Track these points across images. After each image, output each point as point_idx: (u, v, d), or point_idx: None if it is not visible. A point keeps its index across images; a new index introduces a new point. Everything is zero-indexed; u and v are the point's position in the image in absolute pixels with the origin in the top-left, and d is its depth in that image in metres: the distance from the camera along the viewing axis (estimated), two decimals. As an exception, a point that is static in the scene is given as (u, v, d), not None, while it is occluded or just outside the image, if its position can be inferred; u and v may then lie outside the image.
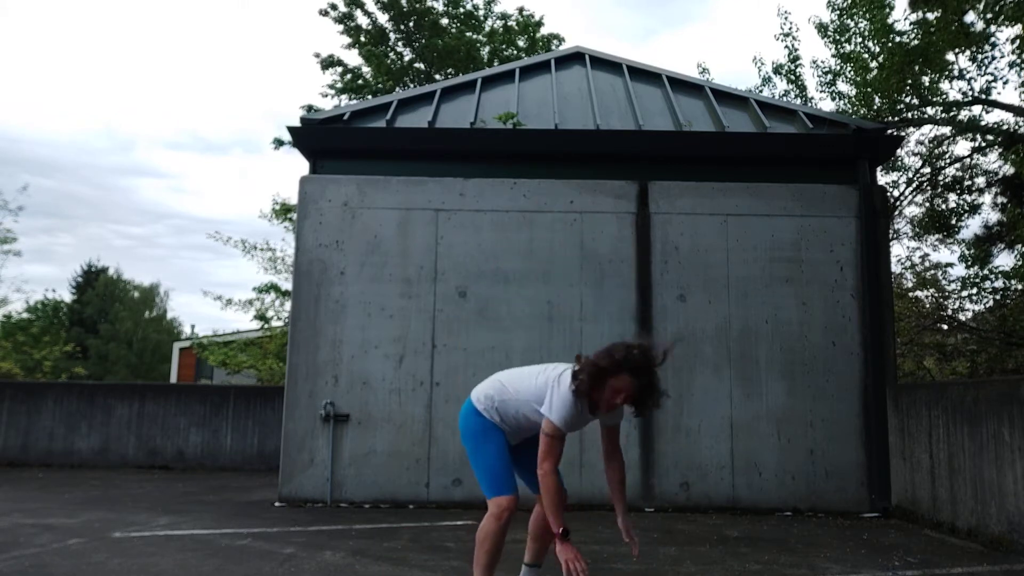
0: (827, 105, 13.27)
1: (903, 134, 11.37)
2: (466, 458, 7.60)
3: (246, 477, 9.93)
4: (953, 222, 12.59)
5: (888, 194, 9.86)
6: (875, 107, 11.72)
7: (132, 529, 5.82)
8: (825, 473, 7.31)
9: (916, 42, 10.87)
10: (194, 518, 6.43)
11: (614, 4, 75.04)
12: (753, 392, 7.45)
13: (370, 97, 16.09)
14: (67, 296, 38.48)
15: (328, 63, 17.24)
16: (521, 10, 18.49)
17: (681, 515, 7.00)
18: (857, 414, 7.40)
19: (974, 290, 11.59)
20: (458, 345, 7.51)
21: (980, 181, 12.56)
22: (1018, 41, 10.30)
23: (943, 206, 12.77)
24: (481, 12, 18.46)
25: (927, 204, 12.95)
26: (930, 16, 10.72)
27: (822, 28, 12.74)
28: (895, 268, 12.38)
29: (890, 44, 11.25)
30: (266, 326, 15.01)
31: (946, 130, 12.33)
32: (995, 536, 5.47)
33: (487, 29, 18.31)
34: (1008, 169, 11.52)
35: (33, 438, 11.01)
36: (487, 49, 18.06)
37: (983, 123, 11.81)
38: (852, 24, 12.19)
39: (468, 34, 17.90)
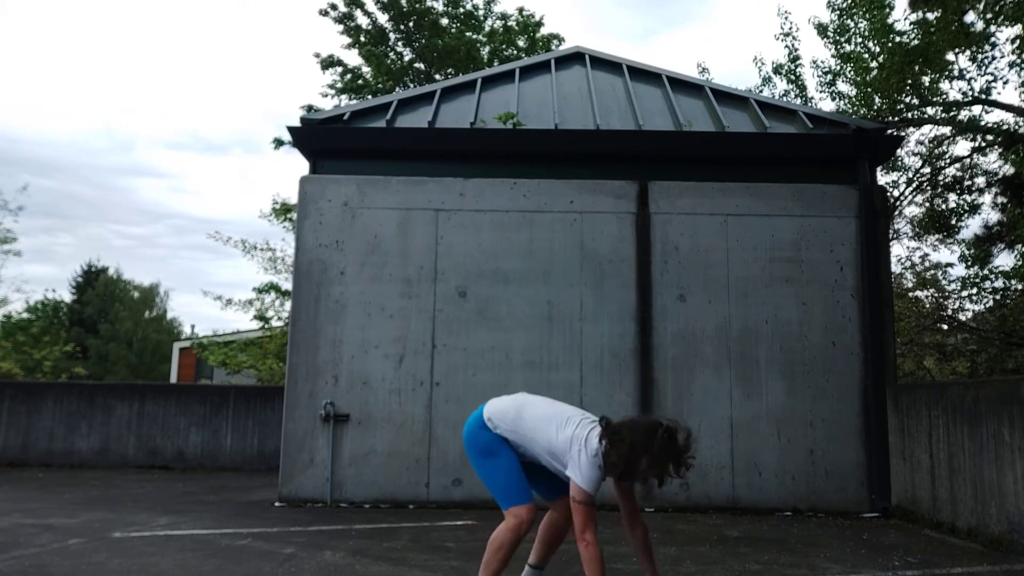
0: (827, 105, 13.28)
1: (903, 134, 11.37)
2: (465, 459, 7.58)
3: (246, 477, 9.93)
4: (953, 222, 12.59)
5: (888, 194, 9.86)
6: (875, 107, 11.72)
7: (132, 529, 5.83)
8: (825, 473, 7.31)
9: (916, 42, 10.87)
10: (194, 518, 6.43)
11: (614, 4, 75.07)
12: (753, 392, 7.45)
13: (370, 97, 16.09)
14: (67, 296, 38.50)
15: (328, 63, 17.24)
16: (521, 10, 18.49)
17: (681, 515, 7.00)
18: (857, 414, 7.40)
19: (974, 290, 11.60)
20: (458, 345, 7.51)
21: (980, 181, 12.57)
22: (1018, 41, 10.30)
23: (943, 206, 12.77)
24: (481, 12, 18.46)
25: (927, 204, 12.96)
26: (930, 16, 10.72)
27: (822, 28, 12.74)
28: (895, 268, 12.39)
29: (890, 44, 11.24)
30: (266, 326, 15.02)
31: (946, 130, 12.33)
32: (995, 536, 5.47)
33: (487, 29, 18.31)
34: (1008, 169, 11.52)
35: (33, 438, 11.01)
36: (487, 49, 18.05)
37: (983, 123, 11.81)
38: (852, 24, 12.19)
39: (468, 34, 17.90)
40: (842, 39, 12.41)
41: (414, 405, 7.43)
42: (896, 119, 11.65)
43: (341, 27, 17.38)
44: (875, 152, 7.98)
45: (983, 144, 12.17)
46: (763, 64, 16.21)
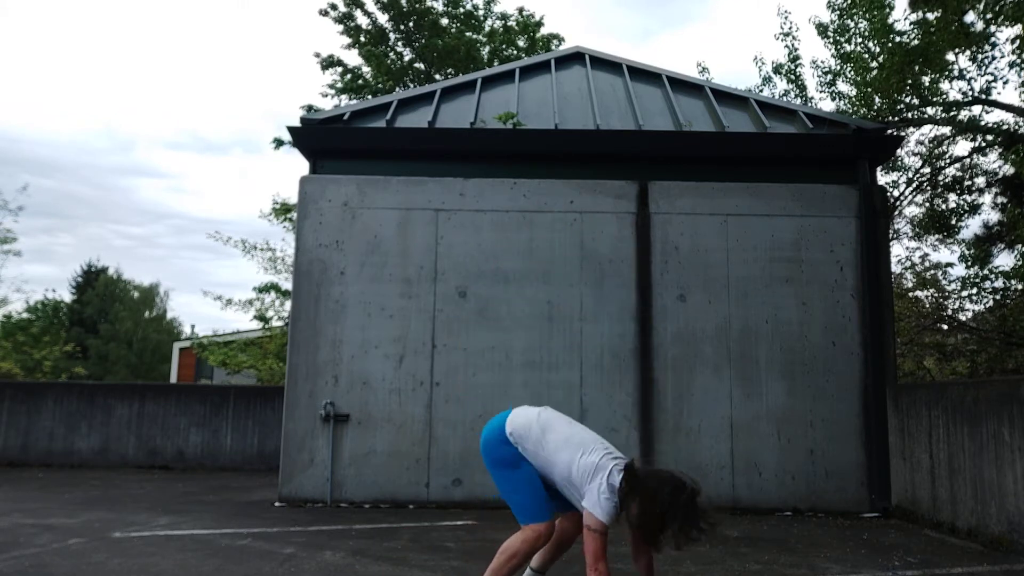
0: (827, 105, 13.28)
1: (903, 134, 11.37)
2: (466, 458, 7.62)
3: (246, 477, 9.93)
4: (953, 222, 12.58)
5: (888, 194, 9.86)
6: (875, 107, 11.71)
7: (132, 529, 5.82)
8: (825, 473, 7.31)
9: (916, 42, 10.86)
10: (194, 518, 6.43)
11: (614, 4, 75.05)
12: (753, 392, 7.45)
13: (370, 97, 16.09)
14: (67, 296, 38.50)
15: (328, 63, 17.24)
16: (521, 10, 18.49)
17: (681, 515, 6.99)
18: (857, 414, 7.40)
19: (974, 290, 11.60)
20: (458, 345, 7.51)
21: (980, 181, 12.56)
22: (1018, 41, 10.29)
23: (943, 206, 12.76)
24: (481, 12, 18.46)
25: (927, 204, 12.95)
26: (930, 16, 10.71)
27: (822, 28, 12.74)
28: (895, 268, 12.40)
29: (890, 44, 11.24)
30: (266, 326, 15.02)
31: (946, 130, 12.32)
32: (995, 536, 5.47)
33: (487, 29, 18.30)
34: (1008, 169, 11.51)
35: (33, 438, 11.01)
36: (487, 49, 18.05)
37: (983, 123, 11.81)
38: (852, 24, 12.18)
39: (468, 34, 17.89)
40: (842, 39, 12.41)
41: (414, 405, 7.43)
42: (896, 119, 11.65)
43: (341, 27, 17.38)
44: (875, 152, 7.98)
45: (983, 144, 12.17)
46: (763, 64, 16.18)
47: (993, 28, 10.62)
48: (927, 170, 12.90)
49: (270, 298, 14.88)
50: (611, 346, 7.51)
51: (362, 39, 17.34)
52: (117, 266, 53.73)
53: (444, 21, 17.75)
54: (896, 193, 12.82)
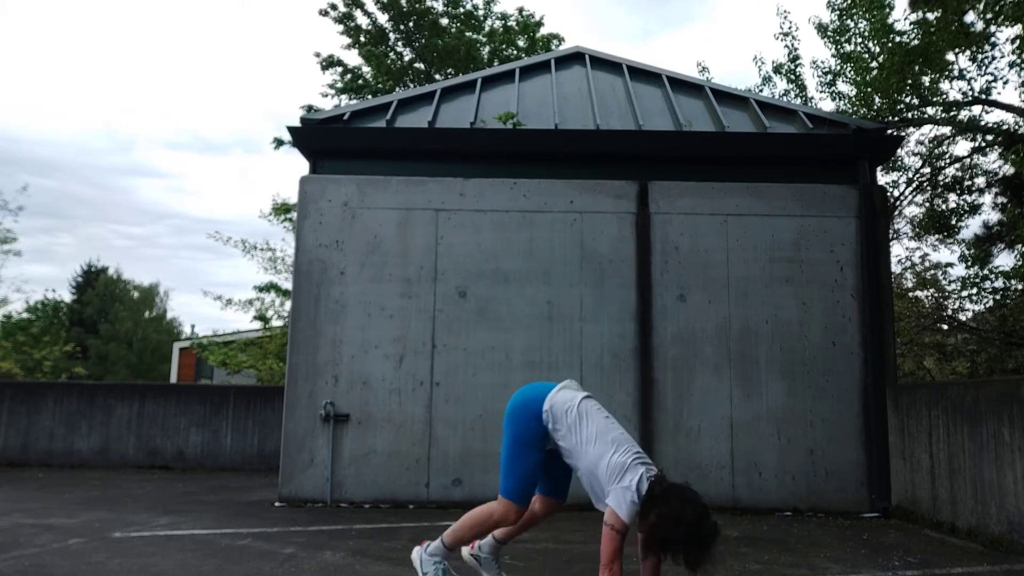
0: (827, 105, 13.27)
1: (903, 134, 11.36)
2: (466, 458, 7.63)
3: (246, 477, 9.93)
4: (953, 222, 12.58)
5: (888, 194, 9.86)
6: (875, 107, 11.71)
7: (132, 529, 5.82)
8: (825, 473, 7.31)
9: (916, 42, 10.86)
10: (194, 518, 6.43)
11: (614, 4, 75.02)
12: (753, 392, 7.45)
13: (370, 97, 16.09)
14: (67, 296, 38.53)
15: (328, 63, 17.24)
16: (521, 10, 18.49)
17: (681, 515, 6.99)
18: (857, 414, 7.40)
19: (974, 290, 11.59)
20: (458, 345, 7.51)
21: (980, 181, 12.56)
22: (1018, 41, 10.29)
23: (943, 206, 12.76)
24: (481, 12, 18.46)
25: (927, 204, 12.95)
26: (930, 16, 10.71)
27: (822, 28, 12.74)
28: (895, 268, 12.40)
29: (890, 44, 11.24)
30: (266, 326, 15.02)
31: (946, 130, 12.32)
32: (995, 536, 5.47)
33: (487, 29, 18.30)
34: (1008, 169, 11.51)
35: (33, 438, 11.01)
36: (487, 49, 18.05)
37: (983, 123, 11.80)
38: (852, 24, 12.18)
39: (468, 34, 17.90)
40: (842, 39, 12.40)
41: (414, 405, 7.43)
42: (896, 119, 11.65)
43: (341, 27, 17.39)
44: (875, 152, 7.98)
45: (983, 144, 12.16)
46: (763, 64, 16.16)
47: (993, 28, 10.62)
48: (927, 170, 12.91)
49: (270, 298, 14.90)
50: (611, 346, 7.51)
51: (362, 39, 17.34)
52: (117, 266, 53.80)
53: (444, 21, 17.75)
54: (896, 193, 12.83)
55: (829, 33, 12.61)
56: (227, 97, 73.70)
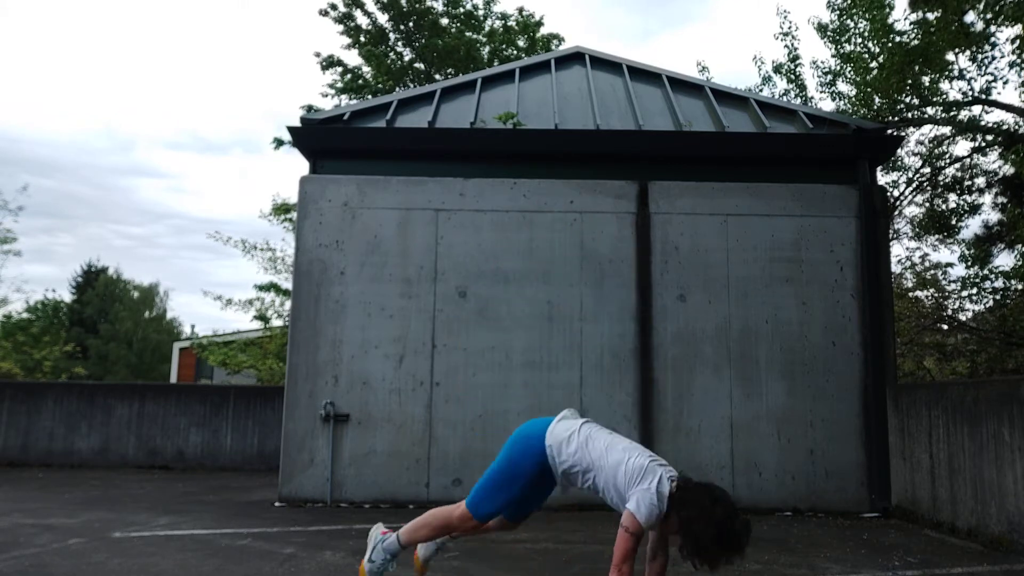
0: (827, 105, 13.27)
1: (903, 134, 11.36)
2: (466, 458, 7.63)
3: (246, 477, 9.93)
4: (953, 222, 12.58)
5: (888, 194, 9.86)
6: (875, 107, 11.71)
7: (132, 529, 5.82)
8: (825, 473, 7.31)
9: (916, 42, 10.85)
10: (194, 518, 6.43)
11: (614, 4, 75.02)
12: (753, 392, 7.45)
13: (370, 97, 16.09)
14: (67, 296, 38.49)
15: (328, 63, 17.24)
16: (521, 10, 18.49)
17: (681, 515, 6.99)
18: (857, 414, 7.40)
19: (974, 290, 11.59)
20: (458, 345, 7.51)
21: (980, 181, 12.56)
22: (1018, 41, 10.29)
23: (943, 206, 12.76)
24: (481, 12, 18.46)
25: (927, 204, 12.95)
26: (930, 16, 10.71)
27: (822, 28, 12.73)
28: (895, 268, 12.39)
29: (890, 44, 11.23)
30: (266, 326, 15.02)
31: (946, 130, 12.31)
32: (995, 536, 5.47)
33: (487, 29, 18.30)
34: (1008, 169, 11.51)
35: (33, 438, 11.01)
36: (487, 49, 18.05)
37: (983, 123, 11.80)
38: (852, 24, 12.18)
39: (468, 34, 17.89)
40: (842, 39, 12.40)
41: (414, 405, 7.43)
42: (896, 119, 11.65)
43: (341, 27, 17.39)
44: (875, 152, 7.98)
45: (983, 144, 12.16)
46: (763, 64, 16.16)
47: (993, 28, 10.61)
48: (927, 170, 12.90)
49: (270, 298, 14.90)
50: (611, 346, 7.51)
51: (362, 39, 17.34)
52: (117, 266, 53.77)
53: (444, 21, 17.75)
54: (896, 193, 12.82)
55: (829, 33, 12.60)
56: (227, 97, 73.72)
